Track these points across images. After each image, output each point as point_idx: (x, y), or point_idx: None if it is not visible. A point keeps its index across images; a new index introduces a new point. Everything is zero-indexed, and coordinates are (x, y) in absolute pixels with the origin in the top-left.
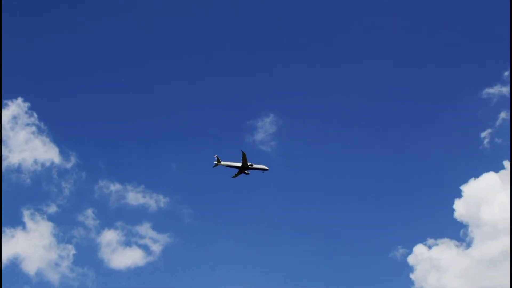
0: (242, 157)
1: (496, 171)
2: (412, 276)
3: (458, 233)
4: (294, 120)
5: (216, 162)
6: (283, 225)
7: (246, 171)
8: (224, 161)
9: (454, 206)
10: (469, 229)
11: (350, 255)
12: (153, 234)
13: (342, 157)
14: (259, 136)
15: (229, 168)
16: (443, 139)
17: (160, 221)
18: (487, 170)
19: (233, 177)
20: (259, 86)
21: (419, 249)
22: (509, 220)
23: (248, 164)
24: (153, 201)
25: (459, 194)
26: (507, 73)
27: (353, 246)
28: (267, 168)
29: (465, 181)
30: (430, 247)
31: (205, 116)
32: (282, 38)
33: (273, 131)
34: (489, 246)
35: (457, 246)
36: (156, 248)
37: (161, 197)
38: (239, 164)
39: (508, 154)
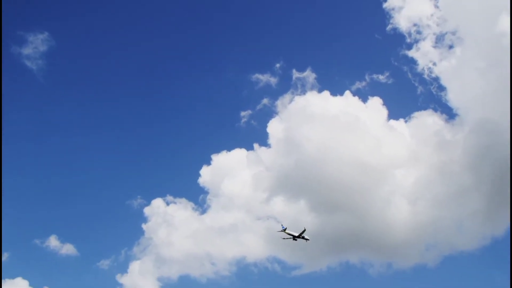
0: (303, 231)
1: (247, 149)
2: (144, 226)
3: (198, 197)
4: (69, 46)
5: (282, 230)
6: (20, 157)
7: (296, 239)
8: (291, 231)
9: (201, 172)
10: (208, 196)
11: (90, 196)
12: None
13: (103, 102)
14: (27, 50)
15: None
16: (207, 107)
17: None
18: (240, 147)
19: (283, 238)
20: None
21: (157, 203)
22: None
23: (302, 235)
24: None
25: (208, 162)
26: (278, 65)
27: (95, 187)
28: (309, 239)
29: (217, 151)
30: (168, 203)
31: None
32: None
33: (44, 50)
34: (221, 216)
35: (193, 209)
36: None
37: None
38: (296, 234)
39: (259, 137)
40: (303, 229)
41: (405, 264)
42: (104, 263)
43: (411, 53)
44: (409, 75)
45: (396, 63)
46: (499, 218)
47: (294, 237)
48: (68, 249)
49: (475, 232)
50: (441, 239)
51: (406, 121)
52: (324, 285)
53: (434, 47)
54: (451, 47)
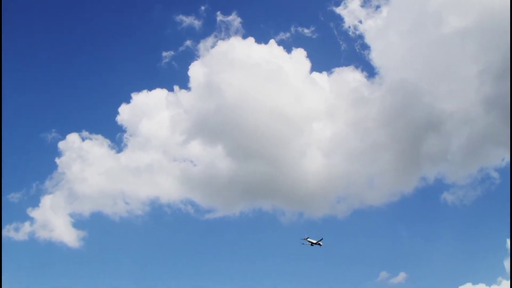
0: (320, 239)
1: (168, 90)
2: (58, 160)
3: (115, 135)
4: None
5: (305, 238)
6: None
7: (312, 245)
8: (311, 239)
9: (120, 110)
10: (125, 135)
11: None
12: None
13: (21, 31)
14: None
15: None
16: (129, 45)
17: None
18: (161, 87)
19: (303, 244)
20: None
21: (73, 138)
22: None
23: (318, 242)
24: None
25: (128, 100)
26: (203, 8)
27: (8, 117)
28: (322, 244)
29: (138, 90)
30: (83, 139)
31: None
32: None
33: None
34: (138, 156)
35: (109, 147)
36: None
37: None
38: (315, 241)
39: (179, 80)
40: (321, 238)
41: (316, 214)
42: (15, 196)
43: (339, 10)
44: (335, 31)
45: (322, 18)
46: (409, 177)
47: (312, 243)
48: None
49: (385, 188)
50: (352, 193)
51: (328, 75)
52: (237, 230)
53: (362, 6)
54: (378, 7)
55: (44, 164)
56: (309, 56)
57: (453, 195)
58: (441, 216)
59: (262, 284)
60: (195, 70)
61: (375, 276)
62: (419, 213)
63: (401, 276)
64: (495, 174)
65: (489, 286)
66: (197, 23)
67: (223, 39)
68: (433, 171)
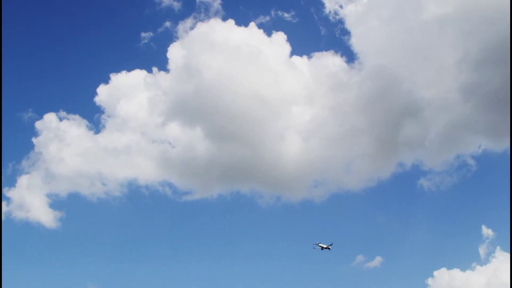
0: (330, 244)
1: (148, 71)
2: (34, 140)
3: (93, 116)
4: None
5: (317, 244)
6: None
7: (323, 249)
8: (322, 243)
9: (98, 90)
10: (103, 116)
11: None
12: None
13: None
14: None
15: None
16: (108, 25)
17: None
18: (140, 68)
19: (314, 248)
20: None
21: (50, 118)
22: None
23: (328, 247)
24: None
25: (106, 81)
26: None
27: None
28: (331, 248)
29: (117, 71)
30: (61, 119)
31: None
32: None
33: None
34: (116, 137)
35: (87, 127)
36: None
37: None
38: (325, 246)
39: (158, 61)
40: (331, 243)
41: (294, 198)
42: None
43: None
44: (315, 16)
45: (303, 3)
46: (386, 162)
47: (322, 248)
48: None
49: (362, 173)
50: (330, 177)
51: (308, 60)
52: (214, 212)
53: None
54: None
55: (21, 144)
56: (289, 40)
57: (429, 181)
58: (417, 202)
59: (239, 266)
60: (174, 52)
61: (351, 259)
62: (396, 199)
63: (377, 260)
64: (471, 161)
65: (464, 271)
66: (176, 4)
67: (202, 20)
68: (411, 157)
